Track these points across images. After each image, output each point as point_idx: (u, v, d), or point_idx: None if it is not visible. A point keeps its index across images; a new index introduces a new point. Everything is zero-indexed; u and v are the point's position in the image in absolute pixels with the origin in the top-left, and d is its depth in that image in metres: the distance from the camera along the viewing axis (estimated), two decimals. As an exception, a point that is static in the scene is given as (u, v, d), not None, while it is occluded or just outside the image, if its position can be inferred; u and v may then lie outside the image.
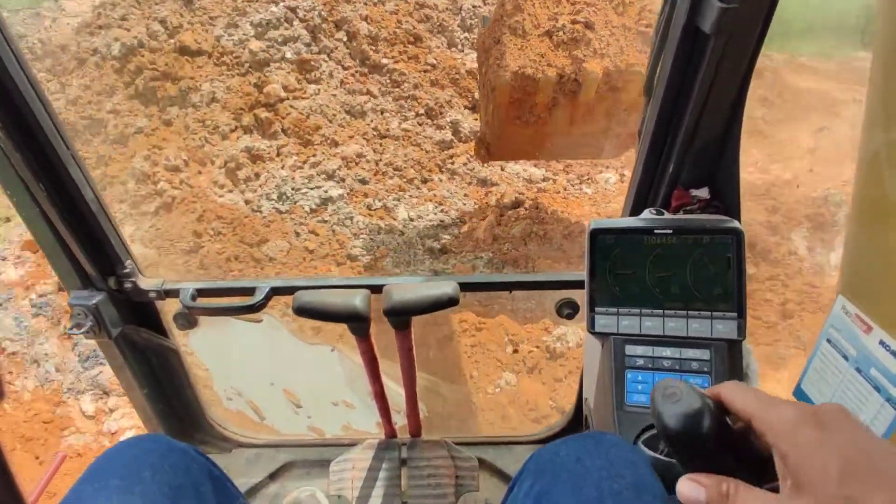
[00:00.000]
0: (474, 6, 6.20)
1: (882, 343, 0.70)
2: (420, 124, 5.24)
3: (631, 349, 0.88)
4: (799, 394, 0.93)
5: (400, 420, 1.35)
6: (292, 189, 4.46)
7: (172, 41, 5.09)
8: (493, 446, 1.47)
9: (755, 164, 5.20)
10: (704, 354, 0.85)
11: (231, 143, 4.68)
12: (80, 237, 1.09)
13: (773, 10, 0.78)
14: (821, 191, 4.36)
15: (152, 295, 1.20)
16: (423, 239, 4.26)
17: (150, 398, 1.36)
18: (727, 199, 0.95)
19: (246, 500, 0.89)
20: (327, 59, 5.35)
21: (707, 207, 0.95)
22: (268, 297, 1.17)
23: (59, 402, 3.08)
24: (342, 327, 1.10)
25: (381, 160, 4.87)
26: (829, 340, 0.82)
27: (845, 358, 0.78)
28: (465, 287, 1.14)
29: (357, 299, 1.03)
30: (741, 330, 0.84)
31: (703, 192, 0.95)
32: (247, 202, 4.43)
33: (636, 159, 1.01)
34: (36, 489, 1.78)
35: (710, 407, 0.48)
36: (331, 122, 5.00)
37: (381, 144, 5.03)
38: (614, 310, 0.90)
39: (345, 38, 5.51)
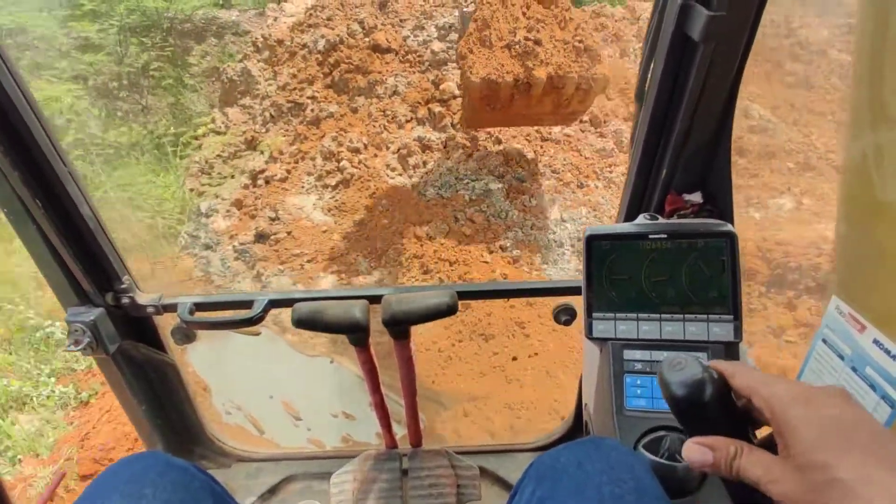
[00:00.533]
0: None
1: (876, 342, 0.71)
2: (583, 131, 5.44)
3: (629, 354, 0.88)
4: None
5: (400, 431, 1.35)
6: (455, 179, 4.85)
7: (367, 39, 5.76)
8: (494, 454, 1.47)
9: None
10: (702, 357, 0.86)
11: (405, 132, 5.22)
12: (78, 253, 1.09)
13: (759, 17, 0.79)
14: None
15: (150, 310, 1.20)
16: (573, 241, 4.48)
17: (149, 414, 1.35)
18: (720, 202, 0.96)
19: None
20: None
21: (700, 212, 0.96)
22: (266, 310, 1.16)
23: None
24: (340, 338, 1.10)
25: (540, 161, 5.14)
26: (824, 340, 0.83)
27: (840, 357, 0.79)
28: (463, 295, 1.14)
29: (356, 310, 1.04)
30: (737, 332, 0.85)
31: (696, 197, 0.96)
32: (413, 186, 4.86)
33: (629, 165, 1.02)
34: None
35: (713, 376, 0.52)
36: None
37: (541, 146, 5.29)
38: (611, 315, 0.90)
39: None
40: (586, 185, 4.93)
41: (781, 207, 4.78)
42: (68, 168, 1.02)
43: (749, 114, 5.64)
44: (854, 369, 0.76)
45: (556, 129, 5.36)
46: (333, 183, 4.94)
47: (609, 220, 4.61)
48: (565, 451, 0.72)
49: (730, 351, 0.86)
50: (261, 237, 4.60)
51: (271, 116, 5.70)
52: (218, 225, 4.84)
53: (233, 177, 5.34)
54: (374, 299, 1.11)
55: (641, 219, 0.94)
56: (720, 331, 0.85)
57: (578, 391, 1.32)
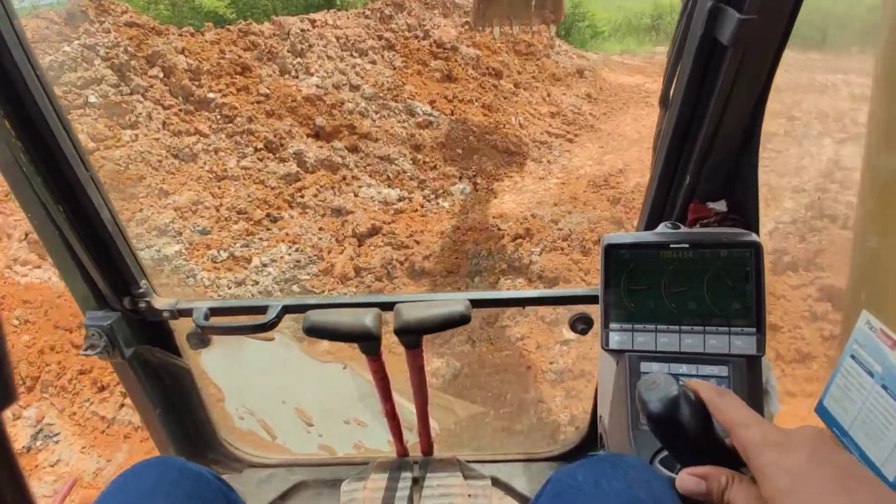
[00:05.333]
0: (302, 30, 6.02)
1: (910, 358, 0.68)
2: (261, 159, 4.91)
3: (646, 366, 0.86)
4: (821, 410, 0.90)
5: (412, 438, 1.34)
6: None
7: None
8: (507, 464, 1.45)
9: (592, 158, 6.07)
10: (722, 371, 0.83)
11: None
12: (97, 258, 1.09)
13: (793, 21, 0.77)
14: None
15: (166, 314, 1.20)
16: (280, 284, 4.00)
17: (163, 418, 1.35)
18: (746, 211, 0.94)
19: None
20: (142, 98, 4.94)
21: (724, 221, 0.93)
22: (280, 316, 1.16)
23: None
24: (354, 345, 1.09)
25: (221, 205, 4.48)
26: (853, 356, 0.80)
27: (870, 374, 0.76)
28: (477, 304, 1.13)
29: (367, 318, 1.03)
30: (760, 345, 0.83)
31: (721, 206, 0.94)
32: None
33: (651, 172, 1.01)
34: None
35: (689, 395, 0.51)
36: (156, 169, 4.60)
37: (219, 187, 4.64)
38: (629, 326, 0.88)
39: (161, 75, 5.09)
40: (280, 217, 4.70)
41: (463, 191, 5.25)
42: (90, 173, 1.03)
43: (414, 112, 5.96)
44: (885, 387, 0.73)
45: (232, 162, 4.92)
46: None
47: (311, 249, 4.22)
48: (582, 468, 0.71)
49: (752, 364, 0.83)
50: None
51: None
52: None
53: None
54: (387, 307, 1.10)
55: (662, 227, 0.92)
56: (742, 344, 0.83)
57: (594, 401, 1.30)
